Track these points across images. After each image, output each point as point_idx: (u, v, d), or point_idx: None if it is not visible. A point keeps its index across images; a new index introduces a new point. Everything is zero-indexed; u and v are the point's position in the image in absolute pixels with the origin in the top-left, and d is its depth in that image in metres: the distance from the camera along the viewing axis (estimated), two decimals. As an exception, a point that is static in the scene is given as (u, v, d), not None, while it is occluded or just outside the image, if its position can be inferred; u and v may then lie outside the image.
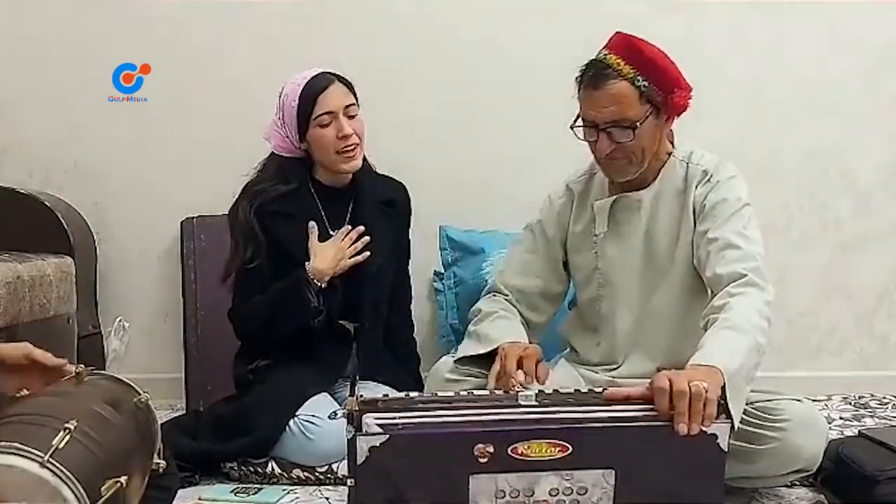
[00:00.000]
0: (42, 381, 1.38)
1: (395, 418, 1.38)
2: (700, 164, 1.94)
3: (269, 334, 2.16)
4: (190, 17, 2.81)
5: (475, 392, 1.55)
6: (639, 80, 1.81)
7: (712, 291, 1.79)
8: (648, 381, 1.47)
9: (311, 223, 2.15)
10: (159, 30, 2.81)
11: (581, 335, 2.09)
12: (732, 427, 1.46)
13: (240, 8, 2.80)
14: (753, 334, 1.62)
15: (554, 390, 1.53)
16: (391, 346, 2.35)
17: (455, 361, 1.93)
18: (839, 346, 2.97)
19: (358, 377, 1.52)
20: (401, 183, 2.37)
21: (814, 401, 2.39)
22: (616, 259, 1.98)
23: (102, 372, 1.50)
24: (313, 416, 2.06)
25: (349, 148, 2.13)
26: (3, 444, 1.15)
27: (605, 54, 1.85)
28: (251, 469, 2.07)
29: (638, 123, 1.82)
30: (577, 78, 1.87)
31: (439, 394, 1.50)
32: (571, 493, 1.41)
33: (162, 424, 1.47)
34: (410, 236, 2.41)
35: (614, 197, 1.98)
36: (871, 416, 2.65)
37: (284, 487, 2.03)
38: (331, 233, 2.18)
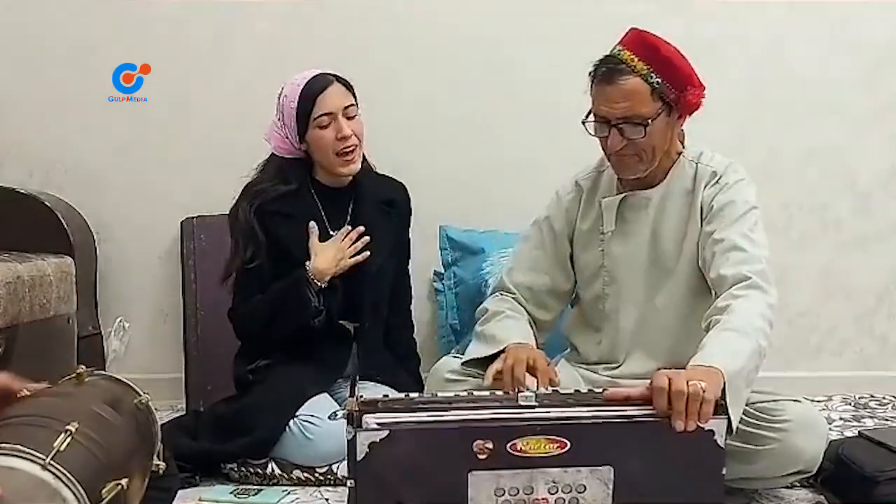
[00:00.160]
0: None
1: (395, 418, 1.38)
2: (710, 165, 1.94)
3: (269, 334, 2.16)
4: (190, 17, 2.81)
5: (475, 392, 1.55)
6: (652, 77, 1.80)
7: (716, 293, 1.78)
8: (649, 381, 1.47)
9: (312, 223, 2.15)
10: (159, 30, 2.81)
11: (583, 333, 2.09)
12: (730, 426, 1.46)
13: (240, 8, 2.80)
14: (755, 337, 1.62)
15: (554, 391, 1.53)
16: (391, 346, 2.35)
17: (462, 364, 1.93)
18: (839, 346, 2.97)
19: (358, 377, 1.52)
20: (401, 183, 2.37)
21: (814, 401, 2.40)
22: (622, 257, 1.98)
23: (103, 372, 1.50)
24: (313, 416, 2.06)
25: (348, 149, 2.13)
26: (4, 445, 1.15)
27: (619, 50, 1.84)
28: (251, 470, 2.07)
29: (650, 120, 1.81)
30: (590, 73, 1.86)
31: (439, 394, 1.50)
32: (570, 490, 1.42)
33: (162, 425, 1.47)
34: (410, 236, 2.41)
35: (623, 195, 1.97)
36: (871, 417, 2.65)
37: (284, 488, 2.03)
38: (331, 233, 2.18)
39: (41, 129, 2.85)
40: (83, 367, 1.39)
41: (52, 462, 1.15)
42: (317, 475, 2.06)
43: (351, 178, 2.22)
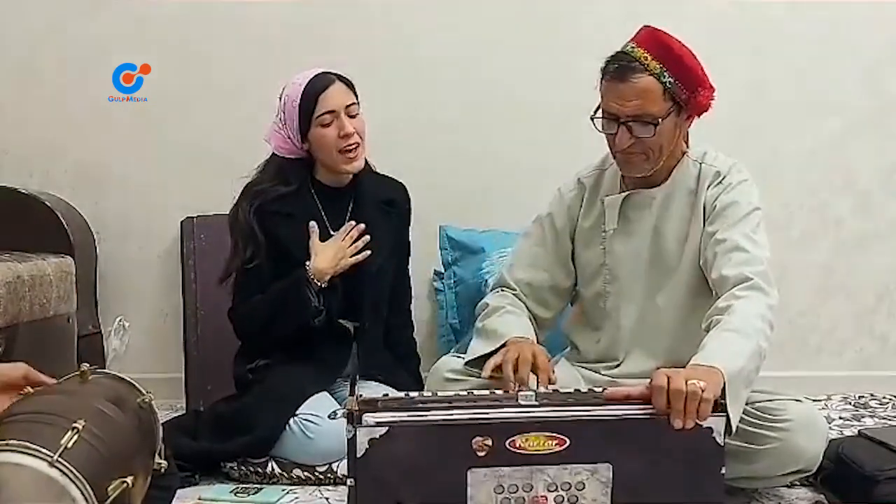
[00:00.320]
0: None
1: (394, 416, 1.39)
2: (713, 165, 1.94)
3: (269, 334, 2.16)
4: (190, 17, 2.81)
5: (475, 392, 1.55)
6: (665, 77, 1.80)
7: (717, 293, 1.78)
8: (648, 380, 1.47)
9: (312, 223, 2.15)
10: (159, 30, 2.81)
11: (582, 332, 2.09)
12: (729, 426, 1.46)
13: (240, 8, 2.81)
14: (756, 338, 1.62)
15: (554, 390, 1.53)
16: (391, 346, 2.35)
17: (465, 364, 1.92)
18: (839, 345, 2.97)
19: (358, 377, 1.52)
20: (401, 183, 2.37)
21: (814, 401, 2.39)
22: (624, 255, 1.98)
23: (106, 371, 1.50)
24: (313, 415, 2.06)
25: (351, 147, 2.13)
26: (12, 442, 1.15)
27: (632, 47, 1.83)
28: (251, 469, 2.08)
29: (660, 120, 1.81)
30: (601, 68, 1.85)
31: (439, 393, 1.50)
32: (570, 487, 1.42)
33: (162, 424, 1.47)
34: (410, 236, 2.41)
35: (626, 193, 1.97)
36: (871, 416, 2.65)
37: (284, 487, 2.03)
38: (331, 233, 2.18)
39: (41, 129, 2.85)
40: (86, 364, 1.39)
41: (59, 459, 1.15)
42: (317, 474, 2.06)
43: (352, 176, 2.22)
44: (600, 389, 1.52)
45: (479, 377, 1.86)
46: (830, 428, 2.21)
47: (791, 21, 2.85)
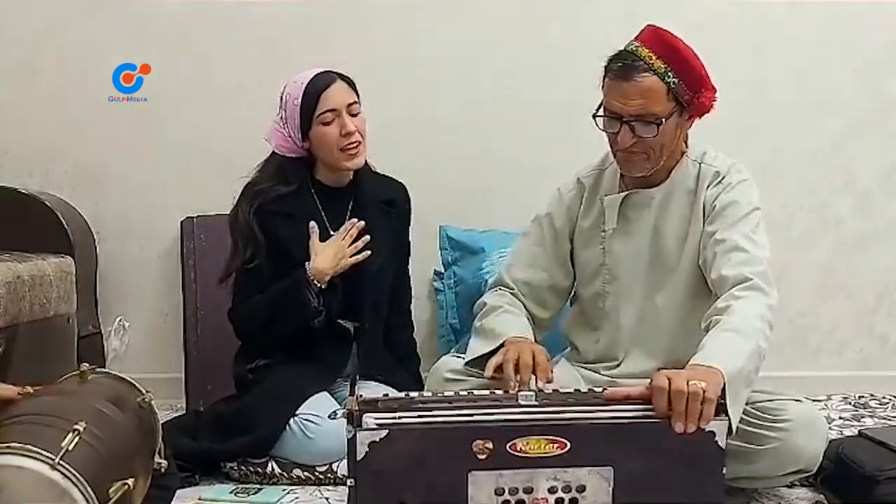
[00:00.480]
0: None
1: (394, 417, 1.38)
2: (713, 165, 1.94)
3: (269, 334, 2.16)
4: (190, 17, 2.81)
5: (475, 392, 1.55)
6: (669, 77, 1.80)
7: (716, 293, 1.78)
8: (648, 380, 1.47)
9: (312, 223, 2.15)
10: (159, 30, 2.81)
11: (582, 332, 2.09)
12: (730, 428, 1.46)
13: (240, 8, 2.80)
14: (755, 338, 1.62)
15: (554, 390, 1.53)
16: (391, 346, 2.35)
17: (465, 364, 1.92)
18: (839, 345, 2.97)
19: (358, 377, 1.52)
20: (401, 183, 2.37)
21: (814, 401, 2.40)
22: (623, 255, 1.98)
23: (106, 371, 1.50)
24: (313, 415, 2.06)
25: (352, 145, 2.13)
26: (13, 444, 1.15)
27: (636, 46, 1.83)
28: (251, 469, 2.07)
29: (663, 120, 1.81)
30: (604, 66, 1.84)
31: (439, 393, 1.50)
32: (570, 490, 1.42)
33: (162, 424, 1.47)
34: (410, 236, 2.41)
35: (625, 193, 1.97)
36: (871, 416, 2.64)
37: (284, 487, 2.03)
38: (331, 233, 2.18)
39: (41, 129, 2.85)
40: (86, 364, 1.39)
41: (61, 462, 1.15)
42: (317, 474, 2.06)
43: (352, 176, 2.23)
44: (600, 389, 1.51)
45: (479, 377, 1.87)
46: (830, 428, 2.21)
47: (791, 21, 2.85)
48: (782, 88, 2.87)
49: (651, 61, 1.80)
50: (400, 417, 1.39)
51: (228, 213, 2.21)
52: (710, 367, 1.50)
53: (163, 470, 1.40)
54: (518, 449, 1.38)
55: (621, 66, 1.81)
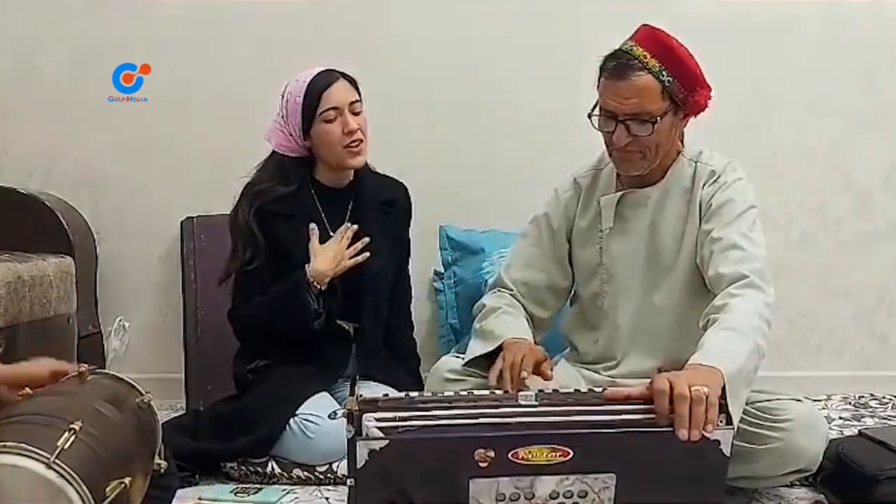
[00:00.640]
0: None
1: (395, 419, 1.38)
2: (709, 164, 1.94)
3: (269, 336, 2.16)
4: (190, 17, 2.81)
5: (475, 392, 1.55)
6: (664, 75, 1.80)
7: (713, 291, 1.78)
8: (648, 380, 1.46)
9: (312, 225, 2.15)
10: (159, 30, 2.81)
11: (581, 332, 2.09)
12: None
13: (239, 8, 2.81)
14: (754, 336, 1.62)
15: (554, 390, 1.52)
16: (391, 346, 2.34)
17: (464, 365, 1.92)
18: (839, 345, 2.97)
19: (358, 377, 1.51)
20: (401, 183, 2.37)
21: (814, 401, 2.40)
22: (620, 255, 1.98)
23: (105, 371, 1.50)
24: (313, 415, 2.06)
25: (355, 144, 2.13)
26: (9, 444, 1.15)
27: (631, 46, 1.83)
28: (251, 469, 2.08)
29: (658, 118, 1.81)
30: (600, 66, 1.85)
31: (439, 394, 1.50)
32: (572, 496, 1.41)
33: (162, 424, 1.47)
34: (410, 236, 2.41)
35: (621, 192, 1.98)
36: (871, 416, 2.65)
37: (284, 487, 2.03)
38: (330, 234, 2.17)
39: (41, 129, 2.85)
40: (85, 365, 1.39)
41: (56, 461, 1.15)
42: (317, 474, 2.06)
43: (352, 176, 2.23)
44: (600, 390, 1.51)
45: (479, 377, 1.87)
46: (830, 428, 2.21)
47: (791, 21, 2.85)
48: (782, 88, 2.87)
49: (646, 60, 1.80)
50: (401, 423, 1.37)
51: (228, 213, 2.21)
52: (710, 367, 1.49)
53: (162, 470, 1.39)
54: (520, 457, 1.37)
55: (616, 65, 1.82)
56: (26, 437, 1.16)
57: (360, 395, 1.42)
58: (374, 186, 2.28)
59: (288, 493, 2.01)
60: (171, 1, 2.80)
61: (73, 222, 2.67)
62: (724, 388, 1.46)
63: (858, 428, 2.25)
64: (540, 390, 1.50)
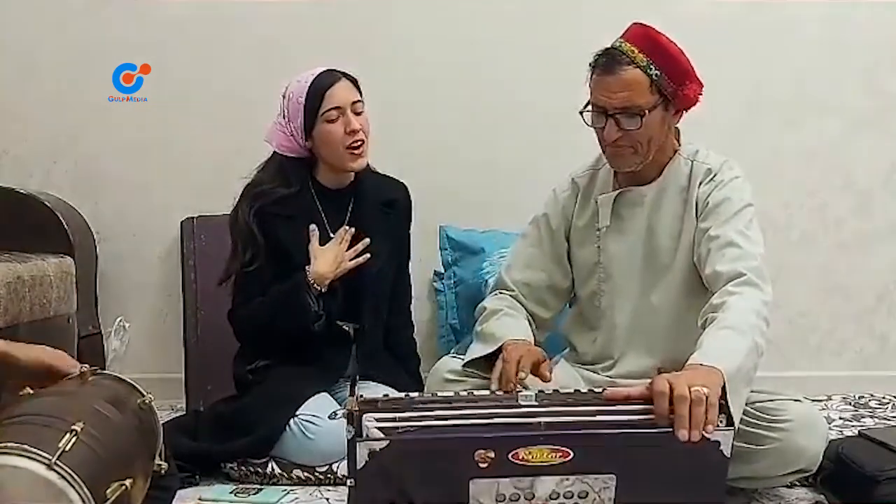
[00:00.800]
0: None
1: (395, 420, 1.38)
2: (705, 163, 1.95)
3: (269, 337, 2.16)
4: (190, 17, 2.81)
5: (475, 392, 1.55)
6: (651, 69, 1.82)
7: (711, 289, 1.78)
8: (648, 380, 1.46)
9: (312, 226, 2.14)
10: (159, 30, 2.81)
11: (580, 332, 2.09)
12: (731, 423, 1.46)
13: (239, 8, 2.81)
14: (752, 335, 1.62)
15: (554, 390, 1.52)
16: (391, 347, 2.34)
17: (464, 366, 1.92)
18: (839, 345, 2.97)
19: (358, 377, 1.51)
20: (401, 183, 2.37)
21: (814, 401, 2.40)
22: (617, 254, 1.98)
23: (106, 372, 1.50)
24: (313, 415, 2.06)
25: (357, 144, 2.13)
26: (10, 444, 1.15)
27: (620, 42, 1.86)
28: (251, 469, 2.07)
29: (646, 111, 1.82)
30: (590, 64, 1.87)
31: (439, 394, 1.50)
32: (572, 496, 1.41)
33: (162, 424, 1.47)
34: (410, 236, 2.40)
35: (618, 191, 1.98)
36: (871, 416, 2.65)
37: (284, 488, 2.03)
38: (331, 235, 2.17)
39: (41, 130, 2.85)
40: (87, 365, 1.39)
41: (57, 462, 1.15)
42: (317, 474, 2.06)
43: (352, 177, 2.22)
44: (600, 390, 1.51)
45: (478, 378, 1.87)
46: (830, 428, 2.21)
47: (791, 21, 2.85)
48: (782, 88, 2.87)
49: (633, 55, 1.82)
50: (401, 423, 1.37)
51: (229, 213, 2.21)
52: (710, 366, 1.49)
53: (163, 472, 1.39)
54: (520, 458, 1.37)
55: (605, 61, 1.84)
56: (27, 438, 1.16)
57: (360, 396, 1.42)
58: (374, 187, 2.28)
59: (288, 493, 2.01)
60: (171, 1, 2.80)
61: (73, 222, 2.66)
62: (724, 388, 1.46)
63: (858, 428, 2.26)
64: (540, 391, 1.50)
